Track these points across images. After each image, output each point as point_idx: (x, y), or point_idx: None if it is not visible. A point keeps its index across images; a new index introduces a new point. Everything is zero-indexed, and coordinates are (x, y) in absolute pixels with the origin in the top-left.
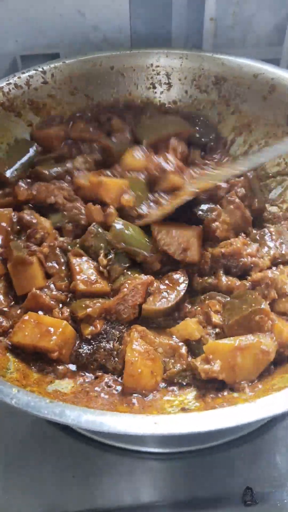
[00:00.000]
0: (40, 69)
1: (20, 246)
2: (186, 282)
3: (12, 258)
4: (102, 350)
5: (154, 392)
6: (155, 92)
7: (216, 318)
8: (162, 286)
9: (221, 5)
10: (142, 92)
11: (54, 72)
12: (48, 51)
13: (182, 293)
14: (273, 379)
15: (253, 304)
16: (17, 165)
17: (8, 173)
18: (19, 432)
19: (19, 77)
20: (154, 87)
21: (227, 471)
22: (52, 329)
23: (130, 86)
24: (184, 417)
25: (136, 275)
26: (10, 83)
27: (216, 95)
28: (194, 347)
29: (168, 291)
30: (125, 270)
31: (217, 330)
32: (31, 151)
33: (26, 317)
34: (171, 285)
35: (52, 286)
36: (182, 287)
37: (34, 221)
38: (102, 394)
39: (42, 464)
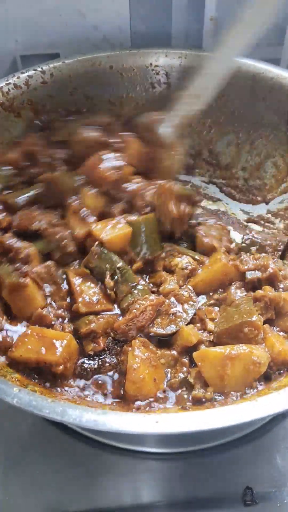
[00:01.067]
0: (40, 69)
1: (9, 270)
2: (196, 304)
3: (5, 286)
4: (108, 364)
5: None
6: (155, 92)
7: (210, 325)
8: (172, 308)
9: (221, 5)
10: (141, 92)
11: (53, 72)
12: (48, 51)
13: (191, 316)
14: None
15: (245, 316)
16: None
17: None
18: (19, 432)
19: (18, 77)
20: (154, 87)
21: (227, 471)
22: (56, 342)
23: (129, 86)
24: (186, 416)
25: (146, 295)
26: (9, 83)
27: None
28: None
29: (177, 313)
30: (132, 289)
31: (212, 337)
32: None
33: (29, 331)
34: (180, 304)
35: (54, 304)
36: (191, 311)
37: (16, 245)
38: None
39: (42, 464)
